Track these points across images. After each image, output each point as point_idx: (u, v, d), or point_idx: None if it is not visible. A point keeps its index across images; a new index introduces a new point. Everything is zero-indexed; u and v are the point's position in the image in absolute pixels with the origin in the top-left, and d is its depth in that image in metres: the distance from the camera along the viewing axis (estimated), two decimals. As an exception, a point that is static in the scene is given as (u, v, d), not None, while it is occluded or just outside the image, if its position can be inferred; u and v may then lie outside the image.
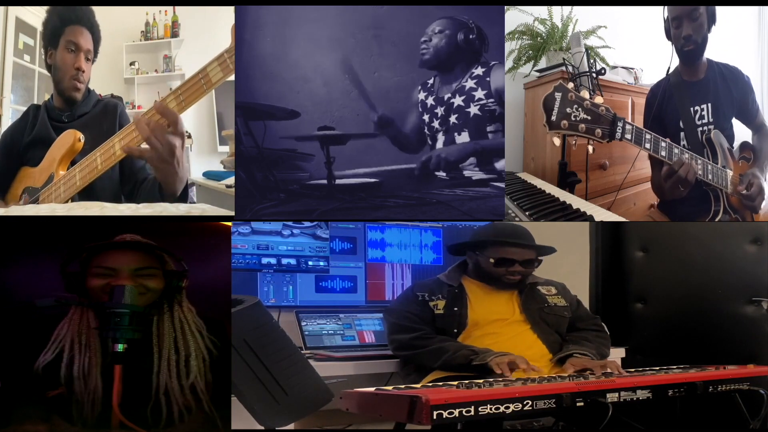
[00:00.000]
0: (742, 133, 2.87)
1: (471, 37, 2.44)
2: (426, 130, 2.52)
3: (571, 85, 2.24)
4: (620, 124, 2.27)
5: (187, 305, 1.97)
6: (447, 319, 2.34)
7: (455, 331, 2.33)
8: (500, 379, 1.96)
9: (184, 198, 2.33)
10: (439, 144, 2.49)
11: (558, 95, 2.19)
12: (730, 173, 2.70)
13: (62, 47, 2.56)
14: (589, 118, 2.22)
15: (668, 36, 2.81)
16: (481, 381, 1.82)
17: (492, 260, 2.37)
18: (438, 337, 2.30)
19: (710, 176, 2.61)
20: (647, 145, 2.38)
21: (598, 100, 2.26)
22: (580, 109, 2.21)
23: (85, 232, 2.23)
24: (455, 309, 2.35)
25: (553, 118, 2.19)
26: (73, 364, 1.84)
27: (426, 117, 2.51)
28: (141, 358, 1.85)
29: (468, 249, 2.48)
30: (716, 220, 2.68)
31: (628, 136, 2.31)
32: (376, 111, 2.48)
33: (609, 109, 2.26)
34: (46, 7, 2.61)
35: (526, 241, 2.40)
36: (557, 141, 2.31)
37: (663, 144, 2.45)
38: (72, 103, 2.60)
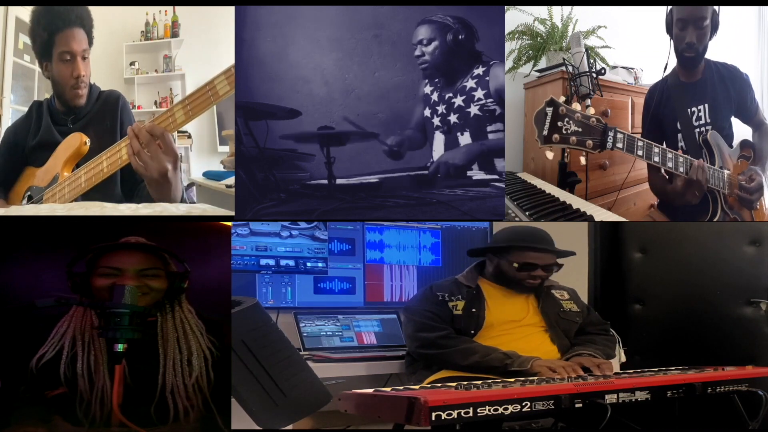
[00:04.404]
0: (741, 132, 2.87)
1: (460, 37, 2.44)
2: (426, 125, 2.52)
3: (562, 98, 2.25)
4: (611, 134, 2.29)
5: (187, 306, 1.98)
6: (465, 320, 2.36)
7: (472, 331, 2.35)
8: (499, 380, 1.96)
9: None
10: (439, 141, 2.49)
11: (549, 110, 2.21)
12: (727, 174, 2.70)
13: (57, 59, 2.53)
14: (580, 130, 2.24)
15: (669, 31, 2.80)
16: (479, 382, 1.82)
17: (516, 265, 2.40)
18: (462, 338, 2.32)
19: (710, 178, 2.62)
20: (639, 152, 2.39)
21: (590, 110, 2.28)
22: (571, 122, 2.22)
23: (85, 233, 2.24)
24: (473, 310, 2.37)
25: (545, 132, 2.21)
26: (76, 363, 1.86)
27: (427, 111, 2.51)
28: (146, 358, 1.88)
29: (490, 253, 2.50)
30: (714, 220, 2.69)
31: (620, 145, 2.32)
32: (385, 143, 2.49)
33: (600, 120, 2.28)
34: (29, 19, 2.57)
35: (548, 245, 2.42)
36: (550, 155, 2.32)
37: (656, 150, 2.46)
38: (76, 108, 2.59)
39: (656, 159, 2.46)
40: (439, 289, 2.44)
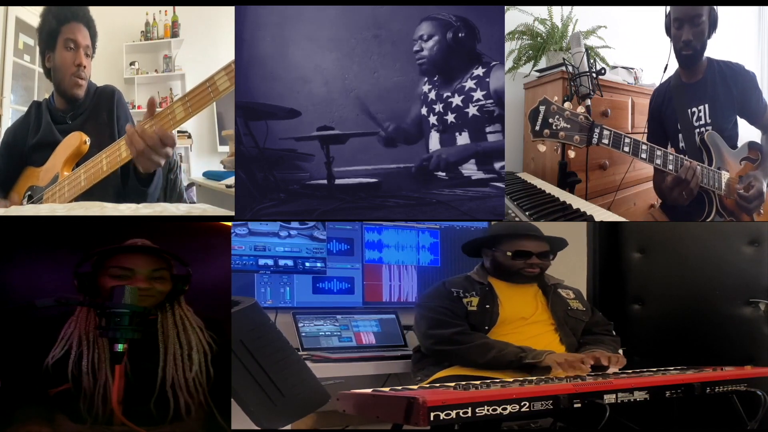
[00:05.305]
0: (747, 133, 2.86)
1: (460, 35, 2.43)
2: (422, 123, 2.52)
3: (555, 98, 2.42)
4: (597, 130, 2.43)
5: (185, 304, 2.03)
6: (479, 316, 2.37)
7: (486, 327, 2.36)
8: (498, 380, 1.96)
9: (150, 179, 2.40)
10: (434, 139, 2.49)
11: (542, 108, 2.39)
12: (725, 175, 2.70)
13: (61, 46, 2.55)
14: (568, 126, 2.40)
15: (668, 32, 2.81)
16: (478, 382, 1.82)
17: (509, 253, 2.43)
18: (476, 334, 2.33)
19: (703, 179, 2.62)
20: (626, 149, 2.49)
21: (581, 109, 2.47)
22: (560, 118, 2.39)
23: (85, 233, 2.25)
24: (487, 306, 2.39)
25: (537, 128, 2.40)
26: (82, 361, 1.90)
27: (424, 109, 2.51)
28: (148, 357, 1.91)
29: (483, 246, 2.52)
30: (707, 221, 2.70)
31: (605, 141, 2.45)
32: (384, 128, 2.49)
33: (588, 117, 2.43)
34: (40, 11, 2.60)
35: (537, 233, 2.46)
36: (542, 148, 2.55)
37: (644, 147, 2.51)
38: (74, 102, 2.60)
39: (643, 156, 2.52)
40: (453, 285, 2.45)
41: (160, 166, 2.34)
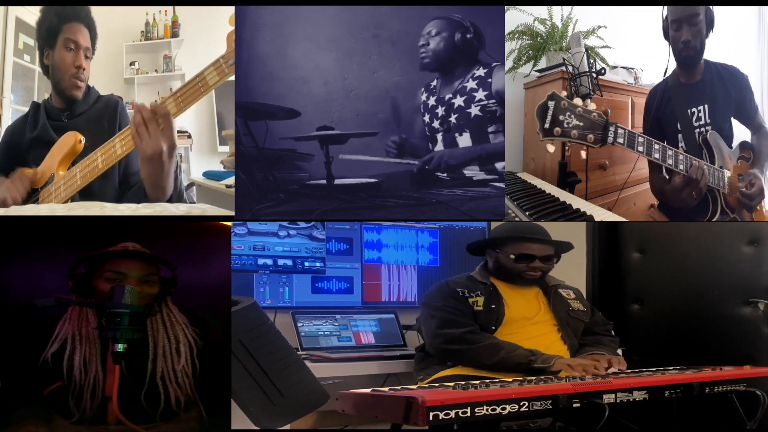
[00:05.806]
0: (741, 133, 2.87)
1: (468, 36, 2.44)
2: (426, 131, 2.52)
3: (564, 93, 2.29)
4: (612, 129, 2.33)
5: (171, 302, 2.09)
6: (486, 316, 2.36)
7: (493, 327, 2.35)
8: (497, 380, 1.96)
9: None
10: (439, 143, 2.49)
11: (551, 104, 2.25)
12: (727, 174, 2.70)
13: (60, 46, 2.56)
14: (581, 124, 2.27)
15: (666, 36, 2.82)
16: (477, 382, 1.83)
17: (512, 256, 2.41)
18: (485, 334, 2.33)
19: (710, 178, 2.62)
20: (640, 149, 2.42)
21: (592, 106, 2.31)
22: (572, 116, 2.26)
23: (85, 233, 2.25)
24: (493, 306, 2.38)
25: (547, 125, 2.25)
26: (74, 356, 1.94)
27: (426, 117, 2.51)
28: (138, 353, 1.93)
29: (488, 247, 2.51)
30: (713, 220, 2.70)
31: (621, 140, 2.36)
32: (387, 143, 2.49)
33: (601, 115, 2.31)
34: (40, 6, 2.61)
35: (544, 236, 2.44)
36: (551, 148, 2.37)
37: (656, 146, 2.48)
38: (72, 102, 2.60)
39: (656, 155, 2.47)
40: (457, 285, 2.43)
41: (158, 156, 2.26)
